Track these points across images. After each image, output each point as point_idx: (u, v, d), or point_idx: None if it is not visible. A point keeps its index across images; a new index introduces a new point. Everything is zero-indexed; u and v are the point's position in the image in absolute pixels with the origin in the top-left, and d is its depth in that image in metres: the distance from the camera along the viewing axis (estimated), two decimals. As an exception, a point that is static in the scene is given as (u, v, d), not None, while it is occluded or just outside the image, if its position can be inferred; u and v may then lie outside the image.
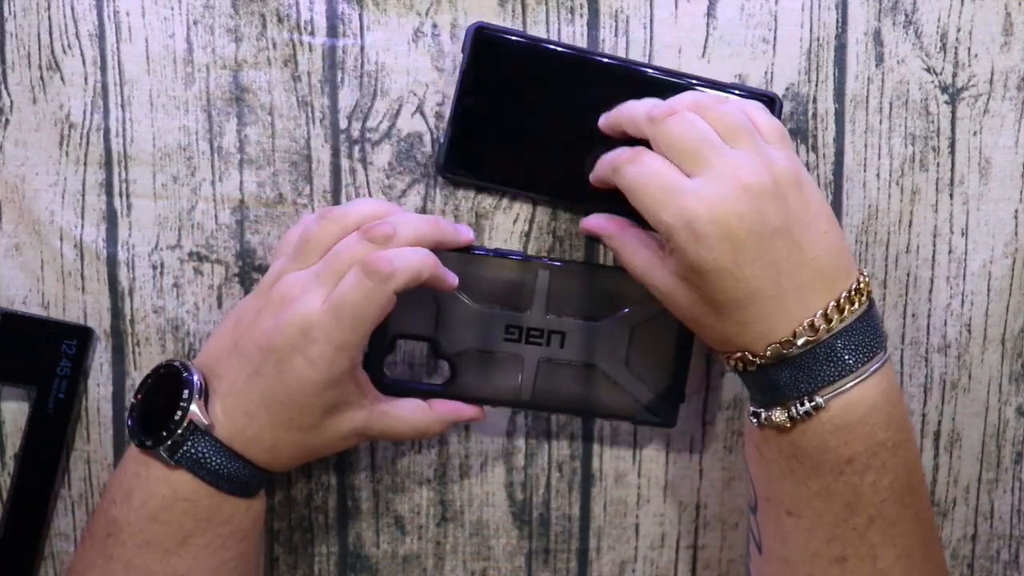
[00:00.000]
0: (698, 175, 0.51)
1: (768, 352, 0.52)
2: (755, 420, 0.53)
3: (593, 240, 0.61)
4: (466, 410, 0.59)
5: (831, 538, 0.52)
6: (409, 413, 0.57)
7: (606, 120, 0.57)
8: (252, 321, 0.54)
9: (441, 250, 0.56)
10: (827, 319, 0.51)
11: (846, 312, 0.51)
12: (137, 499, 0.54)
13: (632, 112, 0.55)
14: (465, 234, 0.58)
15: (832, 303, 0.51)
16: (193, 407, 0.53)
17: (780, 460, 0.53)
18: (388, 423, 0.57)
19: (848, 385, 0.51)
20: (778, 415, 0.52)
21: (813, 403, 0.51)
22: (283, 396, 0.53)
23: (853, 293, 0.52)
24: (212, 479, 0.53)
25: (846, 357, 0.51)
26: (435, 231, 0.56)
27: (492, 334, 0.59)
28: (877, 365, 0.51)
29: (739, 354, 0.53)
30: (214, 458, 0.53)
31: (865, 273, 0.53)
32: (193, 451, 0.53)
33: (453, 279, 0.56)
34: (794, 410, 0.51)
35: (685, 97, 0.54)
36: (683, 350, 0.60)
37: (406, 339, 0.59)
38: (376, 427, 0.56)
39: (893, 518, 0.52)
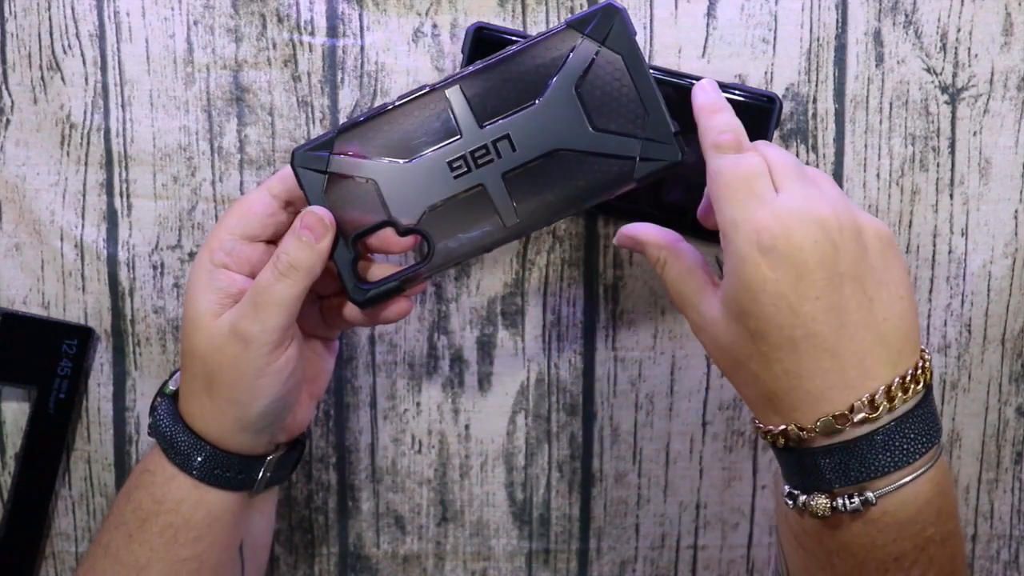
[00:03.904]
0: (784, 191, 0.47)
1: (818, 426, 0.46)
2: (791, 503, 0.48)
3: (619, 246, 0.57)
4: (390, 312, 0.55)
5: None
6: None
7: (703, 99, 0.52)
8: None
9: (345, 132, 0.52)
10: (889, 398, 0.45)
11: (910, 392, 0.46)
12: (128, 479, 0.56)
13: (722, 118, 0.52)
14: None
15: (897, 379, 0.46)
16: (178, 375, 0.55)
17: (819, 553, 0.48)
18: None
19: (904, 480, 0.45)
20: (820, 503, 0.46)
21: (863, 498, 0.45)
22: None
23: (918, 373, 0.46)
24: (163, 443, 0.54)
25: (906, 447, 0.46)
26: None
27: (440, 179, 0.52)
28: (934, 459, 0.46)
29: (783, 427, 0.47)
30: (166, 420, 0.54)
31: (928, 354, 0.48)
32: (159, 415, 0.54)
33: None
34: (841, 502, 0.46)
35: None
36: (642, 78, 0.52)
37: (365, 235, 0.53)
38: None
39: None
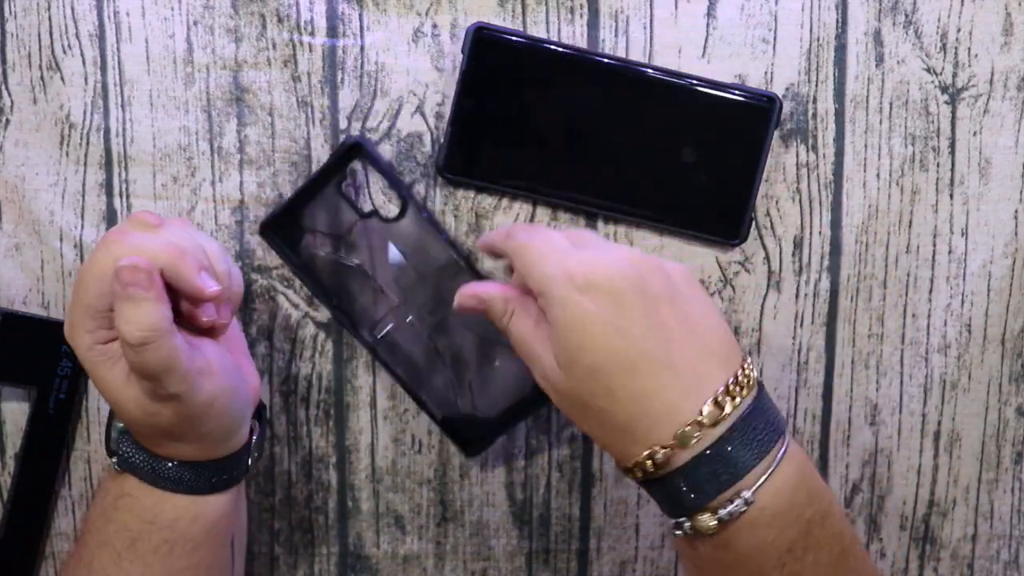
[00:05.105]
0: (583, 247, 0.51)
1: (677, 439, 0.48)
2: (680, 532, 0.49)
3: (459, 310, 0.56)
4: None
5: None
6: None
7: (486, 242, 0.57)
8: None
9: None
10: (731, 395, 0.48)
11: (745, 389, 0.49)
12: (98, 497, 0.55)
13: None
14: (208, 287, 0.51)
15: (731, 379, 0.48)
16: None
17: (720, 571, 0.50)
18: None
19: (770, 470, 0.48)
20: (705, 520, 0.48)
21: (742, 499, 0.47)
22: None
23: (748, 371, 0.49)
24: (145, 477, 0.53)
25: (760, 438, 0.48)
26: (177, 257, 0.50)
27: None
28: (785, 445, 0.49)
29: (647, 452, 0.48)
30: (138, 456, 0.53)
31: (749, 360, 0.50)
32: (126, 452, 0.53)
33: (208, 287, 0.51)
34: (724, 512, 0.47)
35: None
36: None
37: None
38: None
39: None
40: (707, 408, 0.48)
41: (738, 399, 0.48)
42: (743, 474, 0.48)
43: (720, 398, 0.48)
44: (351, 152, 0.59)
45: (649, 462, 0.48)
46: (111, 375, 0.50)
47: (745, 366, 0.50)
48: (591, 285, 0.48)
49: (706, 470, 0.48)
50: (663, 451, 0.48)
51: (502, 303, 0.53)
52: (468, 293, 0.54)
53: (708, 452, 0.48)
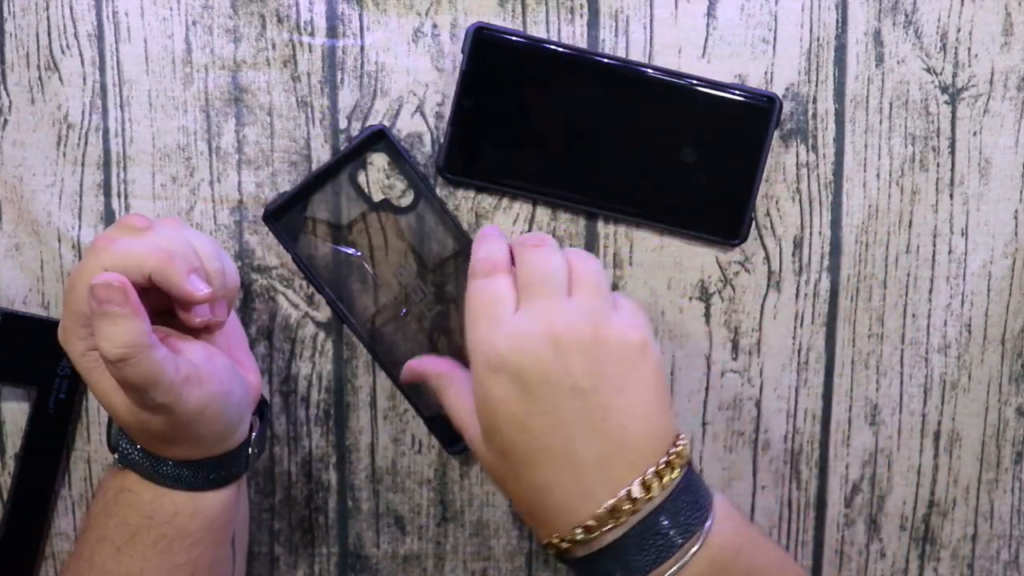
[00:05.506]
0: (522, 310, 0.49)
1: (576, 536, 0.47)
2: None
3: (405, 381, 0.59)
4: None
5: None
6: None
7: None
8: None
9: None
10: (632, 501, 0.47)
11: (654, 489, 0.47)
12: (99, 493, 0.55)
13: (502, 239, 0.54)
14: (198, 290, 0.50)
15: (638, 481, 0.47)
16: None
17: None
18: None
19: (670, 573, 0.47)
20: None
21: None
22: None
23: (664, 466, 0.48)
24: (144, 474, 0.53)
25: (660, 542, 0.47)
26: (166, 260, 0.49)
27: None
28: (700, 541, 0.47)
29: (547, 541, 0.49)
30: (137, 455, 0.53)
31: (683, 438, 0.49)
32: (125, 450, 0.53)
33: (198, 289, 0.50)
34: None
35: (568, 251, 0.53)
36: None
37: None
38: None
39: None
40: (602, 513, 0.47)
41: (639, 503, 0.47)
42: (654, 568, 0.47)
43: (619, 503, 0.47)
44: (373, 139, 0.59)
45: (554, 550, 0.49)
46: (103, 381, 0.50)
47: (663, 459, 0.48)
48: (503, 366, 0.48)
49: (601, 567, 0.48)
50: (561, 543, 0.48)
51: (435, 379, 0.55)
52: (409, 368, 0.57)
53: (603, 551, 0.47)
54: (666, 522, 0.47)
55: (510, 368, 0.48)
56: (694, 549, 0.47)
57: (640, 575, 0.47)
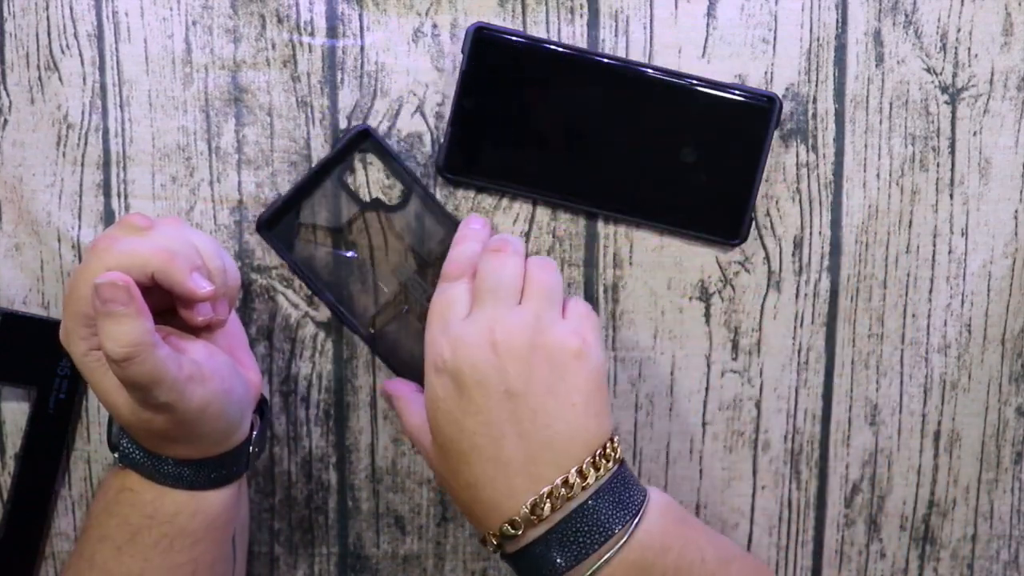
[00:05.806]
0: (471, 315, 0.52)
1: (501, 532, 0.50)
2: None
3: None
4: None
5: None
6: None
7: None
8: None
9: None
10: (553, 499, 0.49)
11: (575, 489, 0.49)
12: (100, 492, 0.55)
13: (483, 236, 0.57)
14: (201, 288, 0.51)
15: (559, 480, 0.49)
16: None
17: None
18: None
19: (591, 571, 0.49)
20: None
21: None
22: None
23: (588, 466, 0.50)
24: (145, 473, 0.53)
25: (581, 540, 0.49)
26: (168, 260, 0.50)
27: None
28: (622, 540, 0.49)
29: (487, 533, 0.51)
30: (137, 454, 0.53)
31: (616, 439, 0.51)
32: (127, 450, 0.54)
33: (201, 287, 0.51)
34: None
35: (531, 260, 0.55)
36: None
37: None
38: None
39: None
40: (524, 511, 0.49)
41: (559, 502, 0.49)
42: (560, 574, 0.49)
43: (540, 501, 0.49)
44: (358, 139, 0.59)
45: (488, 546, 0.51)
46: (105, 381, 0.50)
47: (588, 459, 0.50)
48: (445, 368, 0.51)
49: (526, 564, 0.50)
50: (492, 540, 0.51)
51: (394, 402, 0.57)
52: (383, 391, 0.59)
53: (527, 549, 0.50)
54: (588, 521, 0.49)
55: (451, 370, 0.51)
56: (614, 549, 0.49)
57: (561, 573, 0.49)
